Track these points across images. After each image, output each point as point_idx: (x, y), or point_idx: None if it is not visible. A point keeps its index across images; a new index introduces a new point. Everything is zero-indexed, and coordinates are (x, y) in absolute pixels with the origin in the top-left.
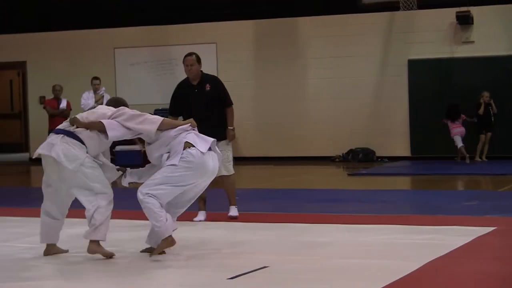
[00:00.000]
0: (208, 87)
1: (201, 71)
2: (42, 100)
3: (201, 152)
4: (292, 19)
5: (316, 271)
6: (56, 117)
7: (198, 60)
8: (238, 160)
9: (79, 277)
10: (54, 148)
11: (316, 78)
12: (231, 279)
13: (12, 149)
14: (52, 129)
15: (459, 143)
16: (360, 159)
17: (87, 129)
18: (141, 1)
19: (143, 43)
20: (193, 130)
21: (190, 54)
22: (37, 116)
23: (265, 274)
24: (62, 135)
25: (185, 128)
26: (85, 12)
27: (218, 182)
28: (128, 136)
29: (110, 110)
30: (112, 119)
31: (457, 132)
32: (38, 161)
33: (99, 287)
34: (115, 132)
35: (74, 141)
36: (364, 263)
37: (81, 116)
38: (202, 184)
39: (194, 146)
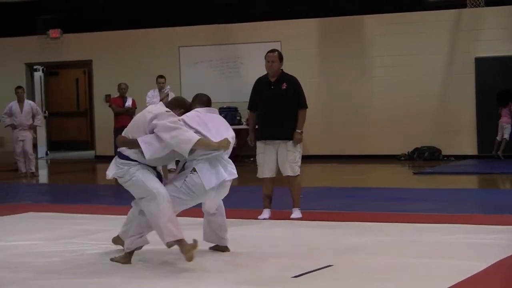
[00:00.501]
0: (284, 85)
1: (282, 69)
2: (107, 98)
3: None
4: (357, 17)
5: (380, 270)
6: (122, 115)
7: (280, 57)
8: (304, 159)
9: (143, 276)
10: (109, 170)
11: (381, 76)
12: (296, 277)
13: (78, 147)
14: (117, 128)
15: (505, 134)
16: (425, 158)
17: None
18: (207, 1)
19: (208, 42)
20: (224, 152)
21: (272, 50)
22: (102, 114)
23: (329, 273)
24: (116, 156)
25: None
26: (151, 11)
27: (284, 181)
28: (163, 153)
29: (152, 113)
30: (150, 126)
31: (504, 121)
32: (103, 158)
33: (167, 285)
34: (151, 149)
35: (122, 160)
36: (430, 262)
37: (125, 132)
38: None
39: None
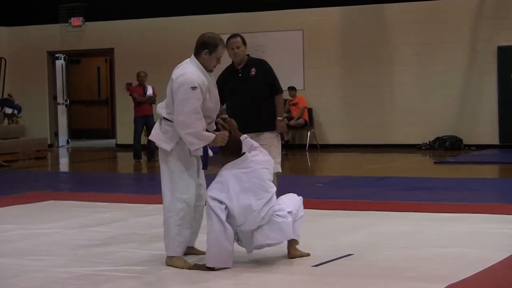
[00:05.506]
0: (253, 71)
1: (248, 55)
2: (127, 86)
3: None
4: (379, 6)
5: (401, 259)
6: (143, 104)
7: (244, 42)
8: (325, 148)
9: (162, 261)
10: None
11: (403, 65)
12: (316, 267)
13: (99, 135)
14: (138, 116)
15: None
16: (447, 147)
17: None
18: None
19: (230, 30)
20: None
21: (234, 35)
22: (123, 102)
23: (349, 262)
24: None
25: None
26: (173, 0)
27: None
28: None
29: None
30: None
31: None
32: (124, 147)
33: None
34: None
35: None
36: (450, 251)
37: None
38: None
39: None
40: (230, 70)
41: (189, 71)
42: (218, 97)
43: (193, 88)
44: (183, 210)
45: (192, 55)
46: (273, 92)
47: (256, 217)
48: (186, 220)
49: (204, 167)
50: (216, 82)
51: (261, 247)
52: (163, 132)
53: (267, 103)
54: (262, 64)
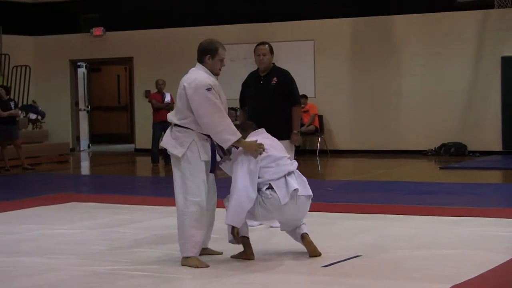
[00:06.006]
0: (275, 80)
1: (273, 63)
2: (146, 93)
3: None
4: (388, 17)
5: (406, 260)
6: (161, 110)
7: (271, 50)
8: (335, 153)
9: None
10: None
11: (410, 74)
12: (326, 267)
13: (119, 140)
14: (156, 122)
15: None
16: (452, 153)
17: None
18: (244, 1)
19: (244, 40)
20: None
21: (263, 43)
22: (142, 109)
23: (358, 262)
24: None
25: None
26: (189, 11)
27: None
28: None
29: None
30: None
31: None
32: (143, 151)
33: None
34: None
35: None
36: (454, 253)
37: None
38: None
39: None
40: (254, 75)
41: (200, 75)
42: (226, 99)
43: (208, 89)
44: (196, 213)
45: (197, 63)
46: (291, 103)
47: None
48: (200, 222)
49: (212, 171)
50: (241, 85)
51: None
52: (174, 139)
53: (283, 113)
54: (284, 75)
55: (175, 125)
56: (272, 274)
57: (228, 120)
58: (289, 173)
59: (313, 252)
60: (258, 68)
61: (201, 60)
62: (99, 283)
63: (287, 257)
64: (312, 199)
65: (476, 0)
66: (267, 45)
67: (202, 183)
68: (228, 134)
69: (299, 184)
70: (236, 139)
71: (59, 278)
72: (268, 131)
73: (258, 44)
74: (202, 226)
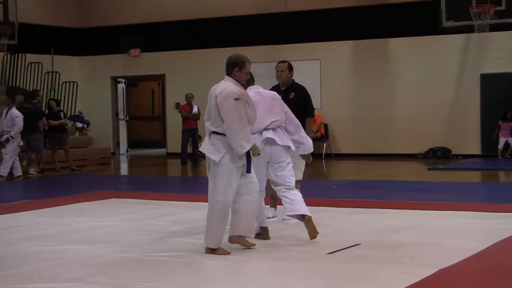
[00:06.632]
0: (292, 95)
1: (293, 80)
2: (177, 105)
3: None
4: (384, 40)
5: (399, 248)
6: (189, 119)
7: (290, 68)
8: (338, 156)
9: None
10: None
11: (403, 88)
12: (330, 254)
13: (153, 145)
14: (185, 129)
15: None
16: (438, 156)
17: None
18: (261, 26)
19: (261, 59)
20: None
21: (283, 61)
22: (173, 118)
23: (358, 250)
24: None
25: None
26: (214, 35)
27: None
28: None
29: None
30: None
31: (502, 135)
32: (173, 155)
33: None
34: None
35: None
36: (441, 242)
37: None
38: None
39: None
40: (275, 88)
41: (229, 86)
42: (255, 105)
43: (236, 99)
44: (220, 211)
45: (225, 75)
46: (305, 114)
47: None
48: (222, 219)
49: (248, 171)
50: None
51: None
52: (212, 145)
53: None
54: (301, 90)
55: (213, 132)
56: (281, 261)
57: (247, 129)
58: (266, 128)
59: (312, 234)
60: (278, 83)
61: (229, 73)
62: (138, 268)
63: (298, 245)
64: (318, 196)
65: (459, 25)
66: (286, 63)
67: (229, 186)
68: (245, 142)
69: (275, 135)
70: (251, 146)
71: (105, 263)
72: None
73: (279, 62)
74: (224, 223)
